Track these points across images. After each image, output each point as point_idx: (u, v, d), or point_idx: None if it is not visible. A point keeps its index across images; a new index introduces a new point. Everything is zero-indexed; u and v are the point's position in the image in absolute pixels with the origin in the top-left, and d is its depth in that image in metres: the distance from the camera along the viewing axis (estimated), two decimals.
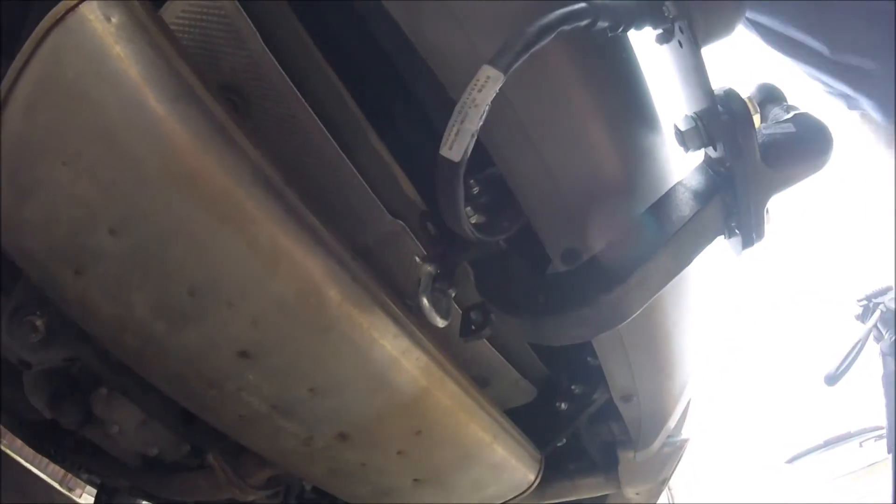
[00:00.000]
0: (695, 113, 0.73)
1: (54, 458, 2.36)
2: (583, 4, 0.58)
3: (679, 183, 0.76)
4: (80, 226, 0.72)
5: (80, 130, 0.66)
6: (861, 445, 6.22)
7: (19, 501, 1.96)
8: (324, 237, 0.75)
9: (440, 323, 0.75)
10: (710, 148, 0.74)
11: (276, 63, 0.78)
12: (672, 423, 1.25)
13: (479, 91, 0.54)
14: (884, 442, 2.88)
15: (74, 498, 3.61)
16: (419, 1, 0.62)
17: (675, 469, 1.41)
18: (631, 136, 0.75)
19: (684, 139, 0.73)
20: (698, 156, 0.77)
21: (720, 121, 0.71)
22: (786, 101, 1.07)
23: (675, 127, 0.74)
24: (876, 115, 1.32)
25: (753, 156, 0.74)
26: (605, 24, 0.61)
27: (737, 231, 0.78)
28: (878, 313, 2.70)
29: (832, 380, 2.71)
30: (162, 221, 0.70)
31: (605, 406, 1.19)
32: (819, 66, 1.29)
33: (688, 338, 1.04)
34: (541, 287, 0.70)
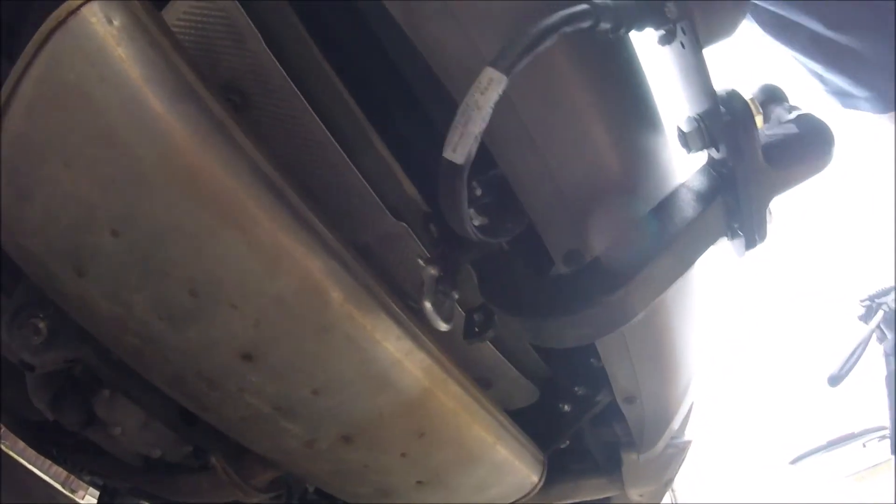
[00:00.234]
0: (697, 114, 0.73)
1: (56, 460, 2.37)
2: (585, 6, 0.58)
3: (682, 184, 0.76)
4: (82, 226, 0.72)
5: (82, 131, 0.66)
6: (864, 446, 6.20)
7: (22, 503, 1.96)
8: (326, 237, 0.74)
9: (443, 327, 0.75)
10: (713, 149, 0.74)
11: (278, 63, 0.78)
12: (675, 424, 1.25)
13: (482, 93, 0.53)
14: (887, 442, 2.87)
15: (77, 499, 3.61)
16: (420, 1, 0.62)
17: (678, 470, 1.40)
18: (633, 137, 0.75)
19: (687, 140, 0.73)
20: (701, 157, 0.77)
21: (722, 122, 0.70)
22: (788, 101, 1.07)
23: (678, 128, 0.74)
24: (871, 109, 1.31)
25: (756, 157, 0.74)
26: (607, 26, 0.61)
27: (739, 232, 0.78)
28: (880, 314, 2.69)
29: (835, 380, 2.70)
30: (163, 221, 0.70)
31: (609, 408, 1.18)
32: (814, 52, 1.28)
33: (691, 339, 1.04)
34: (544, 288, 0.70)
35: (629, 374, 0.96)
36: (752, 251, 0.81)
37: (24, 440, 2.33)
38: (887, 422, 2.72)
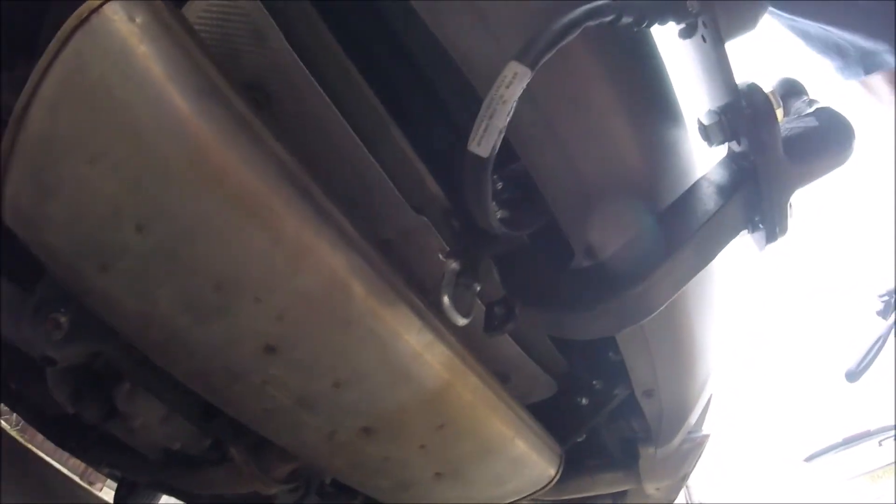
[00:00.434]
0: (718, 107, 0.72)
1: (75, 453, 2.40)
2: (608, 0, 0.58)
3: (703, 177, 0.76)
4: (106, 223, 0.73)
5: (106, 129, 0.67)
6: (880, 444, 6.14)
7: (40, 495, 1.99)
8: (349, 232, 0.75)
9: (461, 321, 0.75)
10: (734, 142, 0.74)
11: (299, 60, 0.78)
12: (693, 418, 1.25)
13: (507, 87, 0.54)
14: None
15: (95, 492, 3.66)
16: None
17: (695, 465, 1.40)
18: (654, 130, 0.75)
19: (708, 133, 0.73)
20: (721, 151, 0.77)
21: (743, 115, 0.70)
22: (807, 94, 1.06)
23: (699, 121, 0.74)
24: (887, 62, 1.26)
25: (777, 150, 0.73)
26: (630, 20, 0.61)
27: (760, 226, 0.78)
28: None
29: (853, 376, 2.67)
30: (189, 217, 0.71)
31: (626, 401, 1.18)
32: (823, 15, 1.24)
33: (710, 333, 1.04)
34: (566, 281, 0.70)
35: (648, 367, 0.96)
36: (773, 245, 0.81)
37: (43, 433, 2.37)
38: None
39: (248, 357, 0.81)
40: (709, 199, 0.74)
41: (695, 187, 0.75)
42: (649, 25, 0.64)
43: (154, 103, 0.65)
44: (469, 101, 0.63)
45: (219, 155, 0.68)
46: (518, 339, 1.10)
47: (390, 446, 0.96)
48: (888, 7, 1.16)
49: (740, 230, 0.78)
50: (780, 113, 0.95)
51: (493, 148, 0.56)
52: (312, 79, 0.79)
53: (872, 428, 6.29)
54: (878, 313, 2.79)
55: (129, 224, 0.71)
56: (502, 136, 0.56)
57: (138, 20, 0.64)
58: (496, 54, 0.58)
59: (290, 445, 1.01)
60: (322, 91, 0.79)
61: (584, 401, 1.21)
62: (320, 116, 0.80)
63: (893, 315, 2.67)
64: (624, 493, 1.45)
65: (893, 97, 1.33)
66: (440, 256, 0.75)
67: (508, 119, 0.55)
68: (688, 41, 0.69)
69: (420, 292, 0.82)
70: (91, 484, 4.07)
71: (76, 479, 3.55)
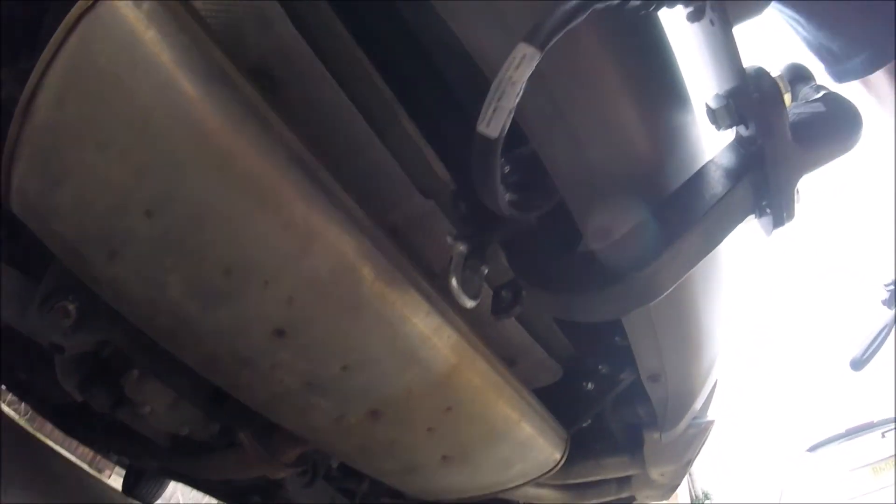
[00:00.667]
0: (726, 91, 0.72)
1: (84, 441, 2.42)
2: None
3: (710, 161, 0.76)
4: (116, 209, 0.73)
5: (114, 115, 0.67)
6: (883, 436, 6.15)
7: (49, 484, 2.02)
8: (357, 216, 0.76)
9: (468, 304, 0.76)
10: (742, 126, 0.74)
11: (306, 45, 0.78)
12: (698, 404, 1.25)
13: (516, 68, 0.54)
14: None
15: (104, 479, 3.70)
16: None
17: (699, 450, 1.41)
18: (662, 114, 0.75)
19: (715, 117, 0.73)
20: (729, 135, 0.77)
21: (751, 99, 0.70)
22: (815, 80, 1.06)
23: (706, 105, 0.74)
24: (870, 66, 1.25)
25: (784, 134, 0.73)
26: (638, 3, 0.61)
27: (768, 210, 0.78)
28: None
29: (858, 365, 2.66)
30: (198, 202, 0.71)
31: (631, 387, 1.19)
32: (808, 13, 1.23)
33: (716, 318, 1.04)
34: (573, 264, 0.71)
35: (654, 351, 0.96)
36: (780, 230, 0.81)
37: (52, 422, 2.39)
38: None
39: (256, 341, 0.81)
40: (716, 183, 0.74)
41: (702, 171, 0.75)
42: (657, 9, 0.64)
43: (162, 88, 0.65)
44: (475, 84, 0.63)
45: (227, 139, 0.68)
46: (525, 324, 1.10)
47: (398, 429, 0.96)
48: (865, 13, 1.15)
49: (748, 214, 0.78)
50: (787, 98, 0.95)
51: (503, 129, 0.56)
52: (319, 63, 0.79)
53: (875, 420, 6.31)
54: (884, 303, 2.78)
55: (138, 210, 0.72)
56: (511, 117, 0.56)
57: (144, 6, 0.64)
58: (504, 38, 0.57)
59: (298, 429, 1.02)
60: (329, 75, 0.79)
61: (589, 385, 1.21)
62: (327, 101, 0.80)
63: None
64: (628, 478, 1.46)
65: (894, 96, 1.31)
66: (448, 239, 0.75)
67: (517, 100, 0.55)
68: (695, 25, 0.69)
69: (428, 276, 0.83)
70: (100, 472, 4.12)
71: (85, 466, 3.59)
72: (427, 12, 0.65)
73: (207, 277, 0.76)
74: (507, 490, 1.25)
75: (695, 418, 1.32)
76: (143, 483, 3.05)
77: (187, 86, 0.66)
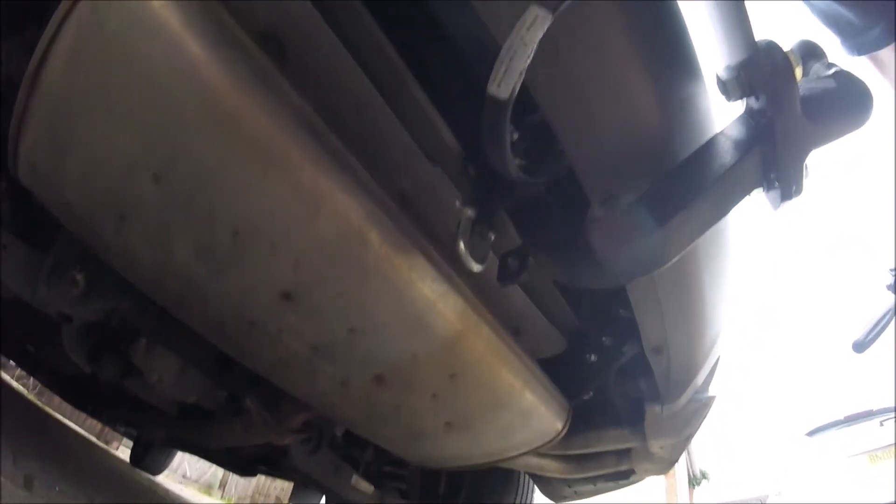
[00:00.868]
0: (737, 63, 0.72)
1: (93, 413, 2.45)
2: None
3: (720, 132, 0.76)
4: (124, 174, 0.73)
5: (122, 80, 0.67)
6: (882, 425, 6.18)
7: (58, 456, 2.05)
8: (365, 181, 0.76)
9: (475, 268, 0.76)
10: (752, 98, 0.73)
11: (315, 10, 0.78)
12: (700, 379, 1.26)
13: (528, 30, 0.54)
14: None
15: (111, 450, 3.75)
16: None
17: (700, 425, 1.41)
18: (673, 84, 0.75)
19: (726, 88, 0.73)
20: (739, 107, 0.77)
21: (763, 71, 0.70)
22: (826, 57, 1.05)
23: (717, 76, 0.73)
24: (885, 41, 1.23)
25: (794, 108, 0.73)
26: None
27: (776, 184, 0.78)
28: None
29: (860, 347, 2.67)
30: (206, 165, 0.71)
31: (634, 361, 1.19)
32: None
33: (721, 294, 1.04)
34: (581, 231, 0.71)
35: (658, 322, 0.96)
36: (788, 206, 0.81)
37: (60, 395, 2.42)
38: None
39: (263, 304, 0.82)
40: (726, 154, 0.74)
41: (712, 141, 0.75)
42: None
43: (171, 52, 0.65)
44: (486, 50, 0.62)
45: (236, 102, 0.68)
46: (530, 294, 1.11)
47: (402, 395, 0.97)
48: None
49: (756, 186, 0.77)
50: (798, 72, 0.94)
51: (513, 90, 0.56)
52: (328, 27, 0.78)
53: (875, 408, 6.33)
54: (889, 287, 2.78)
55: (147, 174, 0.72)
56: (522, 79, 0.56)
57: None
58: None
59: (304, 395, 1.03)
60: (337, 40, 0.79)
61: (593, 357, 1.22)
62: (335, 65, 0.80)
63: None
64: (628, 451, 1.47)
65: None
66: (456, 203, 0.75)
67: (528, 62, 0.55)
68: None
69: (435, 242, 0.83)
70: (108, 443, 4.18)
71: (93, 439, 3.64)
72: None
73: (215, 240, 0.76)
74: (509, 459, 1.26)
75: (696, 393, 1.33)
76: (150, 454, 3.09)
77: (195, 48, 0.65)
